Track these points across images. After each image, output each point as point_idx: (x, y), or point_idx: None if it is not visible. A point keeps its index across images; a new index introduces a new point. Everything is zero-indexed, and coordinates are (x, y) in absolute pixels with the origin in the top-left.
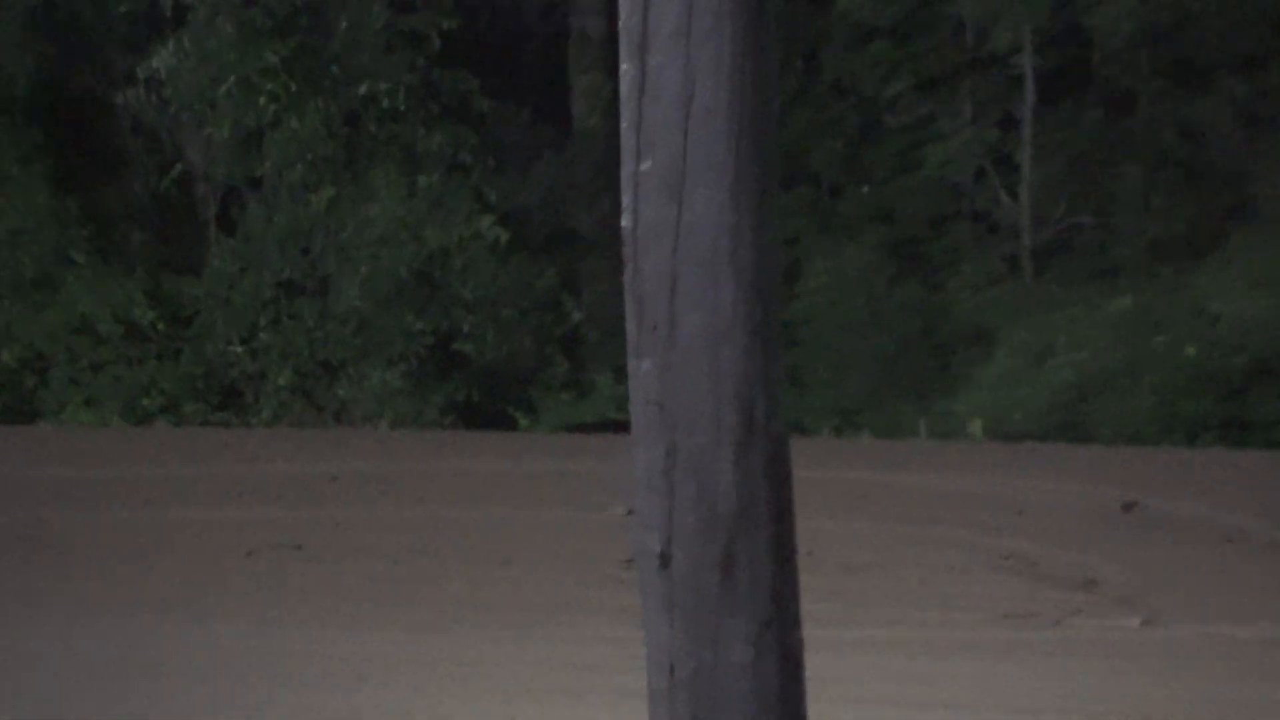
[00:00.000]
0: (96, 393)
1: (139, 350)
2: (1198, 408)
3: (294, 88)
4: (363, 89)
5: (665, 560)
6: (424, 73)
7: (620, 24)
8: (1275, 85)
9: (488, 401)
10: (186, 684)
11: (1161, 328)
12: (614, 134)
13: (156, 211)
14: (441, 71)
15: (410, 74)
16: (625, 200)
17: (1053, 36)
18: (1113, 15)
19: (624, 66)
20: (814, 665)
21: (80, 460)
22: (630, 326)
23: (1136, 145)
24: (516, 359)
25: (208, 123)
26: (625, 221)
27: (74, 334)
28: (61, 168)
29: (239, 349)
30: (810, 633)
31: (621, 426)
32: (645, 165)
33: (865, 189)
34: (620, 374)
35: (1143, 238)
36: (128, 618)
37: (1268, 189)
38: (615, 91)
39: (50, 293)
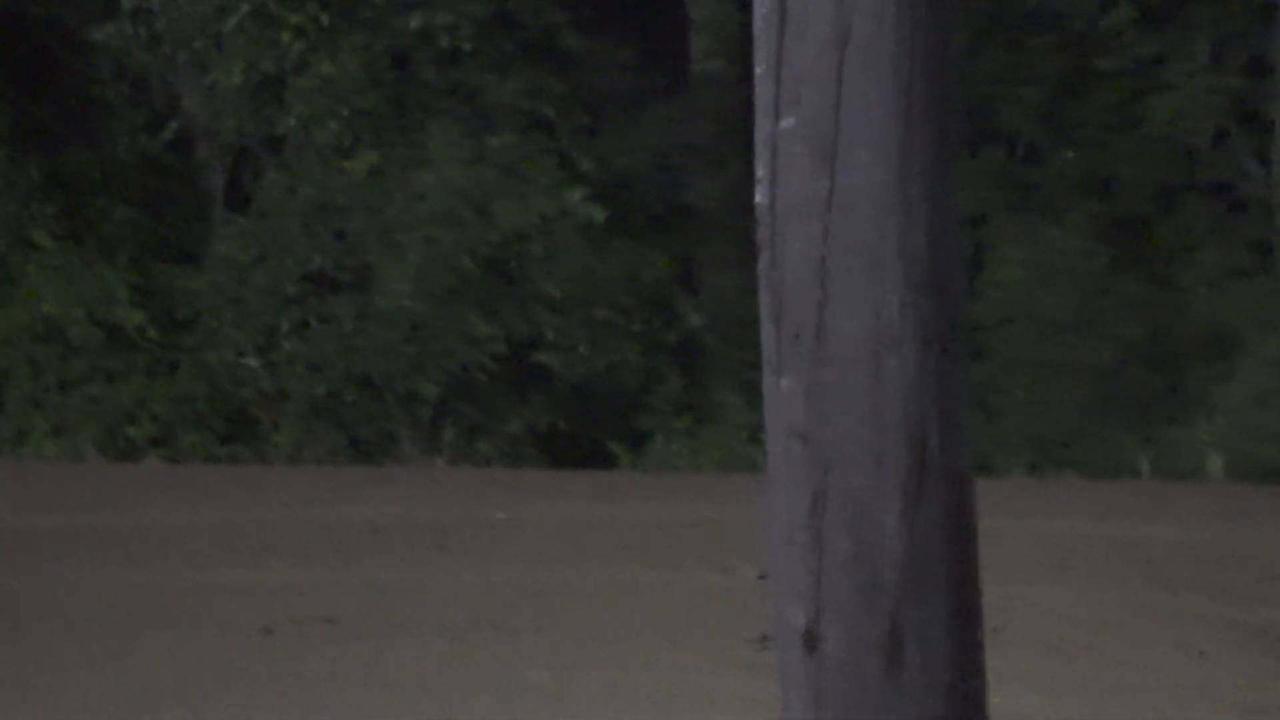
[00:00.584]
0: (67, 418)
1: (122, 363)
2: None
3: (326, 21)
4: (415, 23)
5: (812, 640)
6: (495, 1)
7: None
8: None
9: (577, 430)
10: None
11: None
12: (745, 82)
13: (146, 181)
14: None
15: (478, 3)
16: (760, 168)
17: None
18: None
19: None
20: None
21: (45, 506)
22: (766, 333)
23: None
24: (616, 375)
25: (212, 66)
26: (760, 196)
27: (37, 341)
28: (22, 123)
29: (253, 361)
30: None
31: (753, 464)
32: (787, 123)
33: (1071, 153)
34: (752, 395)
35: None
36: (103, 711)
37: None
38: (746, 27)
39: (5, 287)
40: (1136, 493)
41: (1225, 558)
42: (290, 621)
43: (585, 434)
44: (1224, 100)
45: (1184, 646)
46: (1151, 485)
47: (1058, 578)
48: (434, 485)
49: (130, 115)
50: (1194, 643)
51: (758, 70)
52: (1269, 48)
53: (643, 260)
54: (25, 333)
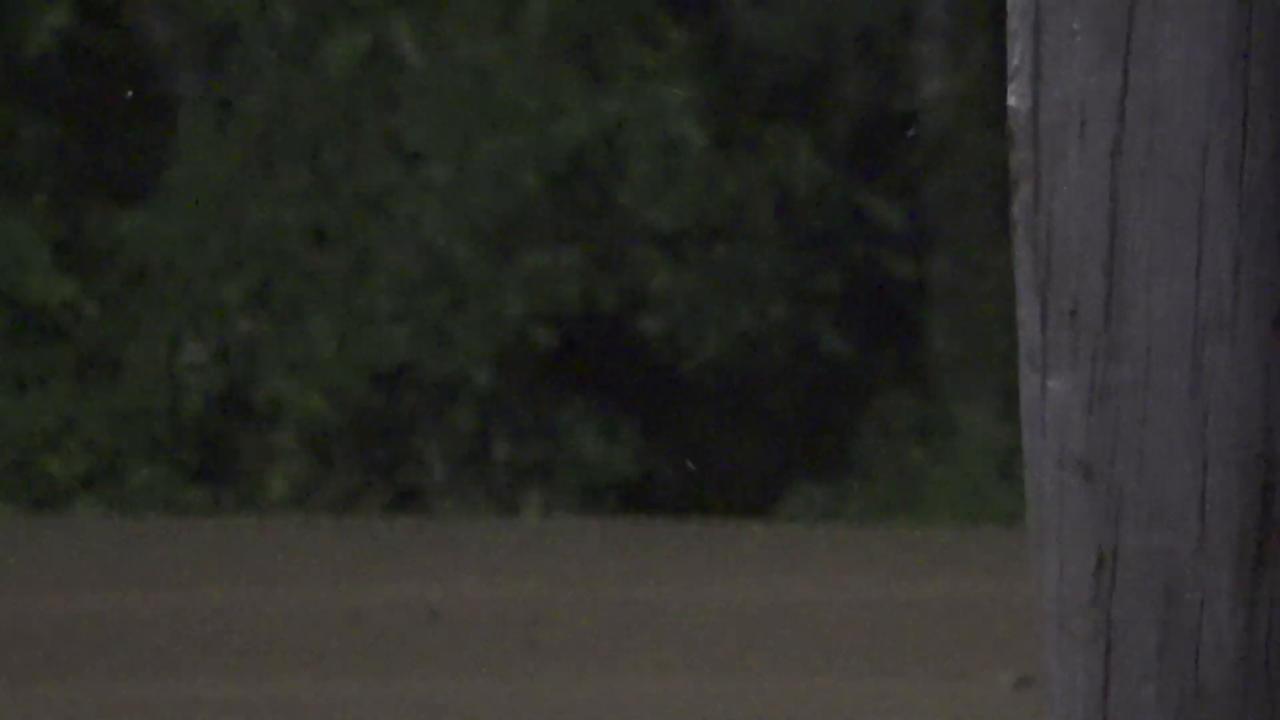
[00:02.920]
0: None
1: (41, 359)
2: None
3: None
4: None
5: None
6: None
7: None
8: None
9: (719, 456)
10: None
11: None
12: None
13: (73, 84)
14: None
15: None
16: (1016, 54)
17: None
18: None
19: None
20: None
21: None
22: (1026, 310)
23: None
24: (762, 357)
25: None
26: (1015, 99)
27: None
28: None
29: (195, 351)
30: None
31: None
32: None
33: None
34: (1007, 405)
35: None
36: None
37: None
38: None
39: None
40: None
41: None
42: None
43: (721, 461)
44: None
45: None
46: None
47: None
48: (515, 550)
49: None
50: None
51: None
52: None
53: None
54: None
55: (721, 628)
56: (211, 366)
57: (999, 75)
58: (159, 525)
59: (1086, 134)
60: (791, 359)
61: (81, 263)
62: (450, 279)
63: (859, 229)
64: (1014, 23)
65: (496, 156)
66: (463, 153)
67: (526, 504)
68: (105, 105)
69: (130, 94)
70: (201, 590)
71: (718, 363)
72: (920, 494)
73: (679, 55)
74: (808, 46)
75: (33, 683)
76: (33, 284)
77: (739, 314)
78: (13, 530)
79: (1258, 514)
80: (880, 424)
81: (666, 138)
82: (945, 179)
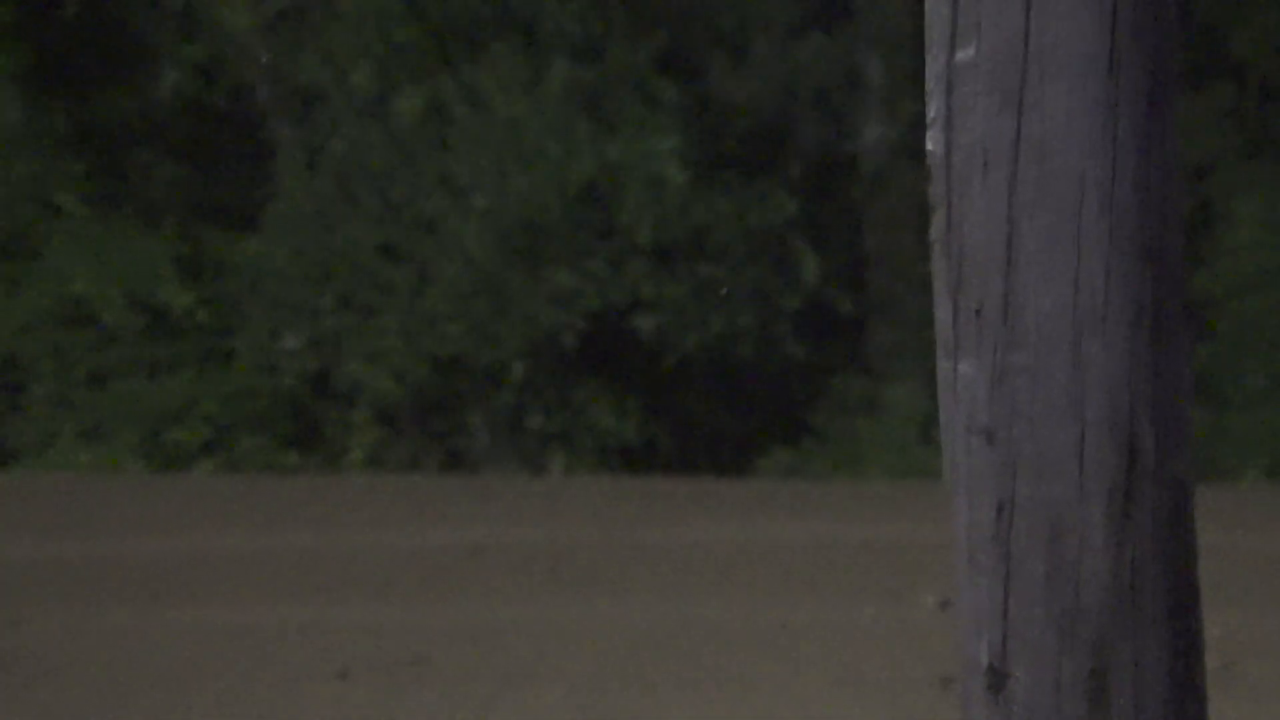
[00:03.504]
0: (101, 420)
1: (168, 352)
2: None
3: None
4: None
5: (998, 680)
6: None
7: None
8: None
9: (703, 427)
10: None
11: None
12: (917, 5)
13: (195, 132)
14: None
15: None
16: (932, 109)
17: None
18: None
19: None
20: None
21: (75, 528)
22: (941, 309)
23: None
24: (734, 347)
25: (217, 8)
26: (932, 143)
27: (64, 327)
28: (44, 62)
29: (291, 343)
30: None
31: (928, 470)
32: (965, 54)
33: None
34: (928, 385)
35: None
36: None
37: None
38: None
39: (26, 262)
40: None
41: None
42: (371, 666)
43: (708, 430)
44: None
45: None
46: None
47: None
48: (544, 500)
49: (177, 53)
50: None
51: None
52: None
53: (756, 200)
54: (49, 317)
55: (706, 562)
56: (304, 356)
57: (922, 125)
58: (260, 483)
59: (988, 172)
60: (758, 355)
61: (199, 276)
62: (491, 287)
63: (812, 248)
64: (931, 84)
65: (525, 189)
66: (499, 186)
67: (552, 464)
68: (220, 150)
69: (240, 141)
70: (294, 534)
71: (700, 355)
72: (862, 455)
73: (669, 110)
74: (771, 103)
75: (160, 609)
76: (162, 293)
77: (714, 320)
78: (146, 486)
79: (1124, 469)
80: (832, 401)
81: (654, 176)
82: (881, 208)
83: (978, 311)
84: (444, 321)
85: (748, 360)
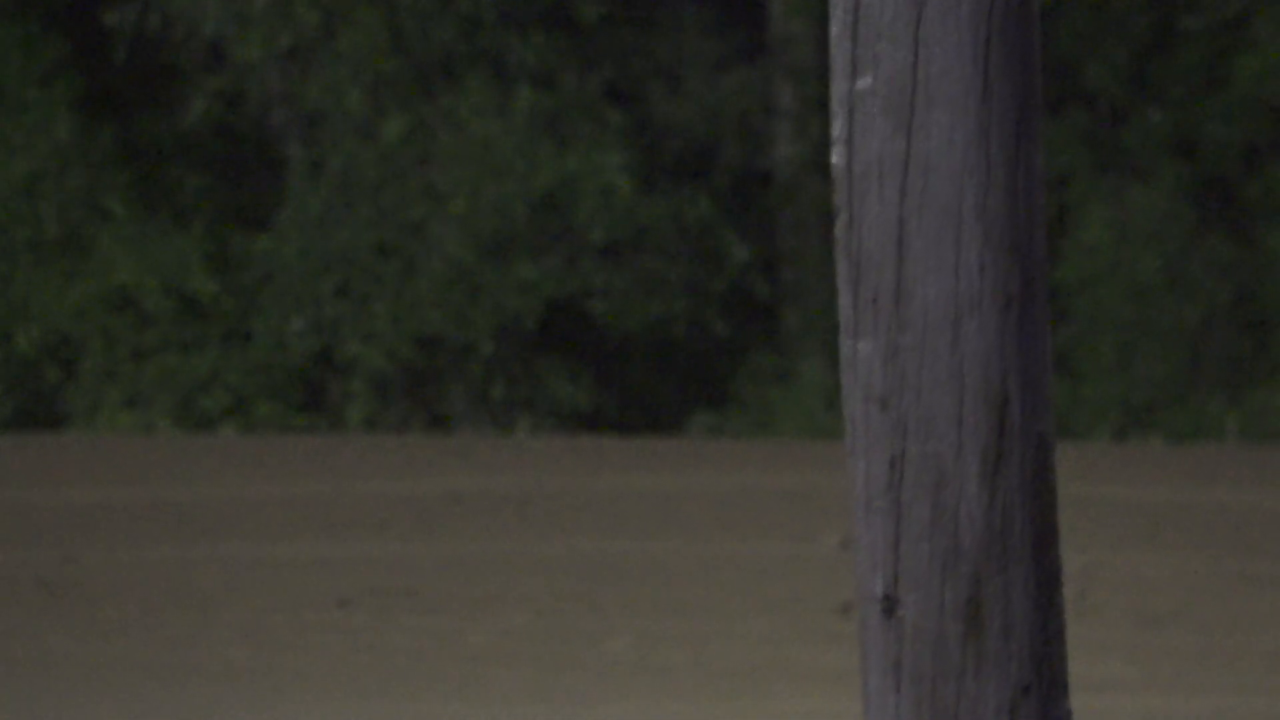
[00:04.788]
0: (141, 389)
1: (197, 332)
2: None
3: None
4: None
5: (890, 606)
6: None
7: None
8: None
9: (643, 394)
10: None
11: None
12: (823, 42)
13: (219, 148)
14: None
15: None
16: (836, 129)
17: None
18: None
19: None
20: None
21: (119, 479)
22: (844, 297)
23: None
24: (666, 329)
25: (233, 44)
26: (836, 158)
27: (110, 311)
28: (93, 90)
29: (299, 325)
30: (1085, 703)
31: (832, 431)
32: (864, 83)
33: (1156, 113)
34: (833, 361)
35: None
36: (180, 689)
37: None
38: None
39: (79, 257)
40: (1224, 457)
41: None
42: (368, 594)
43: (652, 399)
44: None
45: (1278, 614)
46: (1239, 449)
47: (1145, 544)
48: (511, 455)
49: (204, 82)
50: None
51: (834, 29)
52: None
53: (686, 202)
54: (98, 303)
55: (646, 506)
56: (309, 336)
57: (827, 144)
58: (275, 441)
59: (883, 183)
60: (689, 334)
61: (222, 269)
62: (466, 279)
63: (737, 248)
64: (835, 108)
65: (495, 198)
66: (473, 195)
67: (518, 426)
68: (240, 164)
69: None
70: (303, 484)
71: (640, 334)
72: (776, 419)
73: (615, 131)
74: (701, 125)
75: (192, 546)
76: (192, 283)
77: (652, 304)
78: (179, 444)
79: (996, 430)
80: (750, 373)
81: (604, 185)
82: (792, 212)
83: (873, 299)
84: (426, 307)
85: (680, 339)
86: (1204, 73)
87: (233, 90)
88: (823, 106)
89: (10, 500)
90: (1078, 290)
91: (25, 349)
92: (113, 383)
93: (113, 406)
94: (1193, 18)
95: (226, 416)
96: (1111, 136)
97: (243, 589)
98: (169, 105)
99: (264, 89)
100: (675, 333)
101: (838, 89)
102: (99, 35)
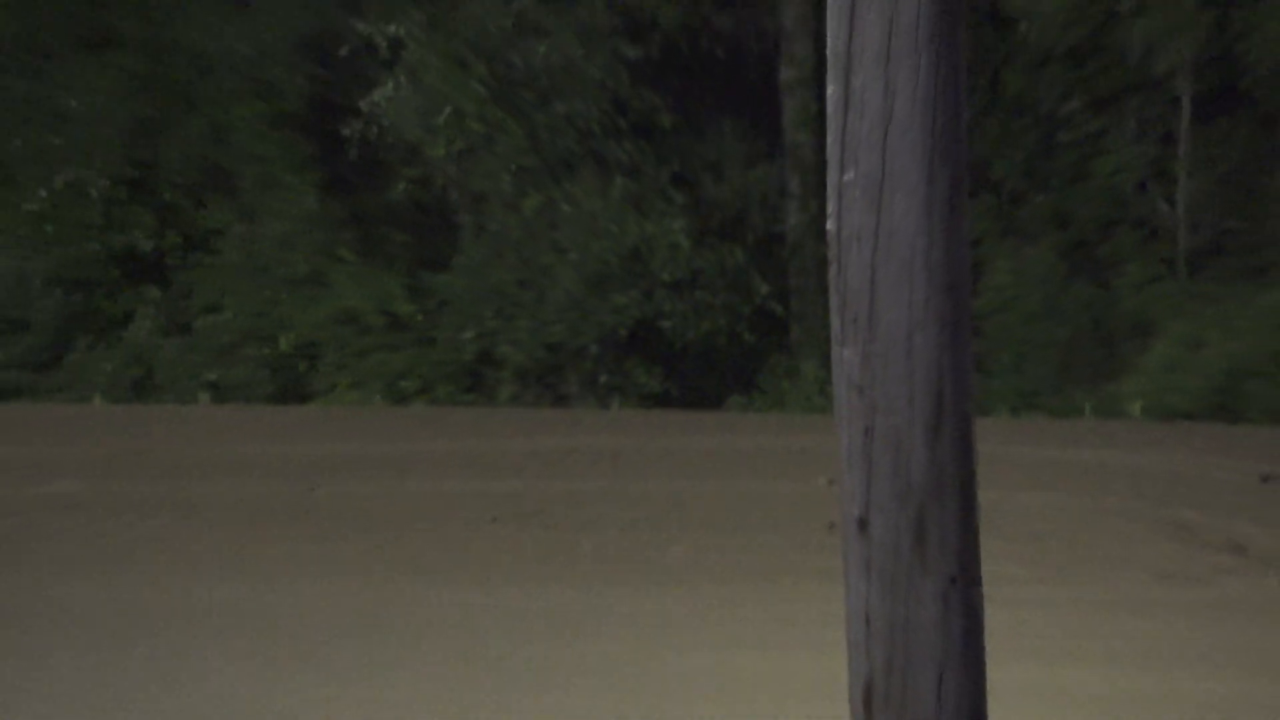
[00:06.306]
0: (361, 376)
1: (398, 338)
2: None
3: (500, 114)
4: (561, 108)
5: (864, 526)
6: (613, 94)
7: (828, 49)
8: None
9: (697, 383)
10: (436, 641)
11: None
12: (821, 147)
13: (413, 216)
14: (632, 91)
15: (601, 95)
16: (830, 206)
17: (1209, 59)
18: (1260, 42)
19: (830, 88)
20: (994, 620)
21: (346, 437)
22: (834, 319)
23: None
24: (713, 339)
25: (425, 145)
26: (830, 225)
27: (341, 324)
28: (329, 176)
29: (468, 335)
30: (991, 591)
31: (825, 409)
32: (848, 175)
33: (1042, 197)
34: (826, 362)
35: None
36: (385, 580)
37: None
38: (822, 109)
39: (320, 288)
40: (1085, 429)
41: (1145, 473)
42: (511, 516)
43: (705, 387)
44: (1145, 162)
45: (1118, 534)
46: (1094, 424)
47: (1035, 487)
48: (609, 423)
49: (405, 172)
50: (1124, 531)
51: (829, 139)
52: (1175, 125)
53: (727, 254)
54: (332, 320)
55: (695, 459)
56: (474, 342)
57: (825, 216)
58: (450, 412)
59: (860, 243)
60: (728, 343)
61: (415, 297)
62: (579, 306)
63: (760, 285)
64: (829, 192)
65: (599, 251)
66: (585, 249)
67: (612, 404)
68: (428, 227)
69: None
70: (469, 441)
71: (695, 343)
72: (786, 401)
73: (678, 206)
74: (736, 203)
75: (399, 482)
76: (395, 306)
77: (704, 323)
78: (387, 414)
79: (935, 410)
80: (770, 370)
81: (672, 243)
82: (799, 262)
83: (854, 320)
84: (553, 324)
85: (722, 346)
86: (1074, 170)
87: (423, 177)
88: (820, 191)
89: (273, 451)
90: (988, 316)
91: (285, 349)
92: (342, 372)
93: (343, 389)
94: (1067, 132)
95: (417, 395)
96: (1011, 213)
97: (427, 511)
98: (382, 186)
99: (445, 176)
100: (718, 342)
101: (831, 179)
102: (336, 140)
